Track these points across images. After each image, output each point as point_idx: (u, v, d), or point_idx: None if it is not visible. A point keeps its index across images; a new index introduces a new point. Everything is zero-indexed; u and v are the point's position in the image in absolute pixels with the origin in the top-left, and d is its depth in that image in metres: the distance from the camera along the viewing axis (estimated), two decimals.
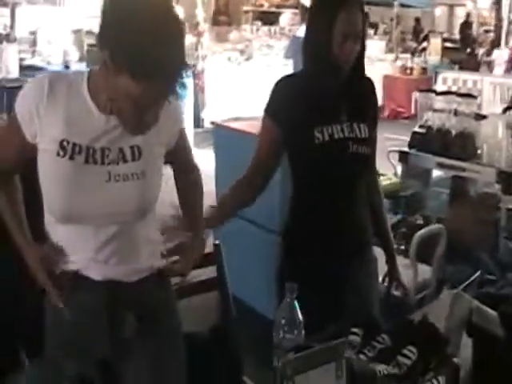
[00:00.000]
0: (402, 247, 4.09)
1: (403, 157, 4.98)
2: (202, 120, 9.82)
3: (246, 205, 2.51)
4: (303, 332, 1.73)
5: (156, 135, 1.83)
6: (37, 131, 1.76)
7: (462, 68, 12.47)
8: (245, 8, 14.02)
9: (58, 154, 1.75)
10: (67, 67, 2.93)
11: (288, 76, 2.46)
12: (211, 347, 2.32)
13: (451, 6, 20.28)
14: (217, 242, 2.68)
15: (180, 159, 2.08)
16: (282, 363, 1.32)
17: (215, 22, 13.07)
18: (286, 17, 13.58)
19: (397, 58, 13.99)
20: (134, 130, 1.74)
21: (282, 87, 2.40)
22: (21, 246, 1.89)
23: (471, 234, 4.41)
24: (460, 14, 19.75)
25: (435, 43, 14.81)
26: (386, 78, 13.25)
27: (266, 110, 2.41)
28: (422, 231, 3.51)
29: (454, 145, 4.63)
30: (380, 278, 2.67)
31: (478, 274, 1.88)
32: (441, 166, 4.78)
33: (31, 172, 1.82)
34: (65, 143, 1.75)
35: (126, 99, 1.62)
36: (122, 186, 1.79)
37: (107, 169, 1.78)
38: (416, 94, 4.91)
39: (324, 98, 2.34)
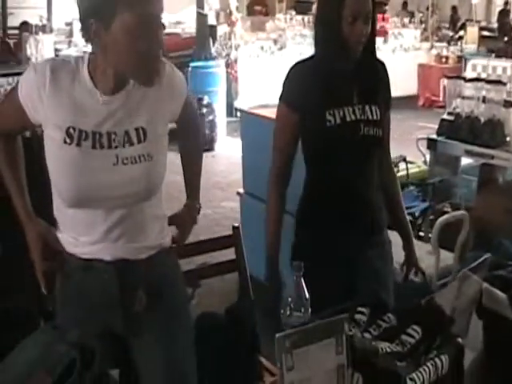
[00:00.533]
0: (430, 235, 4.08)
1: (432, 144, 4.97)
2: (235, 109, 9.87)
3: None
4: (310, 309, 1.76)
5: (161, 113, 1.91)
6: (40, 118, 1.83)
7: (498, 57, 12.30)
8: None
9: (65, 142, 1.81)
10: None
11: (300, 62, 2.47)
12: (228, 327, 2.37)
13: None
14: (236, 224, 2.72)
15: (184, 125, 2.16)
16: (280, 336, 1.35)
17: (250, 11, 13.07)
18: None
19: (432, 47, 13.84)
20: (147, 82, 1.81)
21: (295, 73, 2.42)
22: (21, 217, 1.96)
23: (499, 222, 4.38)
24: (498, 3, 19.44)
25: (472, 32, 14.62)
26: (421, 66, 13.13)
27: (281, 98, 2.43)
28: (444, 217, 3.49)
29: (483, 132, 4.61)
30: (398, 265, 2.68)
31: (487, 255, 1.88)
32: (469, 153, 4.75)
33: (38, 156, 1.88)
34: (71, 130, 1.81)
35: (127, 50, 1.72)
36: (129, 169, 1.84)
37: (114, 152, 1.83)
38: (445, 81, 4.88)
39: (335, 81, 2.35)
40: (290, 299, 1.78)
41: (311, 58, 2.46)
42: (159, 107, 1.89)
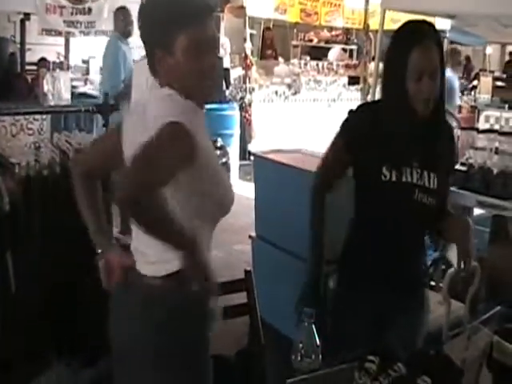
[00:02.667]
0: (441, 285, 4.08)
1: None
2: (249, 152, 9.95)
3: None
4: (320, 356, 1.79)
5: None
6: None
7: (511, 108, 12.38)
8: (294, 42, 14.17)
9: None
10: (106, 94, 3.09)
11: (366, 104, 2.49)
12: (238, 371, 2.39)
13: (503, 45, 20.17)
14: (248, 268, 2.76)
15: None
16: (290, 382, 1.38)
17: (262, 55, 13.22)
18: (335, 52, 13.67)
19: None
20: (208, 96, 2.01)
21: (360, 115, 2.40)
22: (99, 246, 2.14)
23: (510, 273, 4.39)
24: None
25: (486, 82, 14.71)
26: None
27: (340, 133, 2.40)
28: (455, 269, 3.50)
29: (495, 183, 4.64)
30: None
31: (498, 308, 1.91)
32: (482, 204, 4.76)
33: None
34: None
35: (189, 68, 1.92)
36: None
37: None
38: (458, 132, 4.92)
39: (398, 137, 2.30)
40: (300, 345, 1.82)
41: (377, 102, 2.48)
42: None
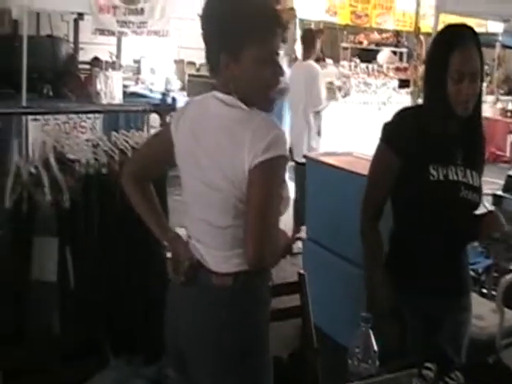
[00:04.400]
0: (493, 292, 4.04)
1: (497, 200, 4.96)
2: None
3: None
4: (377, 361, 1.79)
5: None
6: None
7: None
8: (344, 45, 14.12)
9: None
10: (163, 95, 3.14)
11: (409, 108, 2.52)
12: (291, 373, 2.40)
13: None
14: (301, 271, 2.77)
15: None
16: None
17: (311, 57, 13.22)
18: (385, 55, 13.58)
19: (497, 101, 13.73)
20: (268, 107, 2.03)
21: (403, 118, 2.44)
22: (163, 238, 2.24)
23: None
24: None
25: None
26: (486, 120, 12.99)
27: (385, 140, 2.44)
28: (510, 276, 3.47)
29: None
30: None
31: None
32: None
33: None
34: None
35: (254, 78, 1.97)
36: None
37: None
38: (510, 137, 4.86)
39: (443, 138, 2.36)
40: (357, 350, 1.81)
41: (419, 107, 2.50)
42: None
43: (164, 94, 3.36)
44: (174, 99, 3.33)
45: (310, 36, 7.00)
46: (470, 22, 7.50)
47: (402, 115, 2.46)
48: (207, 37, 2.02)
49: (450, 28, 2.41)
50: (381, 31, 13.94)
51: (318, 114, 6.59)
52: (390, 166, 2.40)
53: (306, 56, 6.78)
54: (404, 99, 10.74)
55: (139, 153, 2.38)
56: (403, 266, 2.45)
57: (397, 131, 2.42)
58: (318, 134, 6.68)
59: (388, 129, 2.44)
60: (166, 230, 2.22)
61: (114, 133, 3.03)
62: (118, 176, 2.78)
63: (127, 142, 2.97)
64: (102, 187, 2.75)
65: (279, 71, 2.02)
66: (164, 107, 3.26)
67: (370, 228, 2.47)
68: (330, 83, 10.96)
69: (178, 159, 2.12)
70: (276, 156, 1.88)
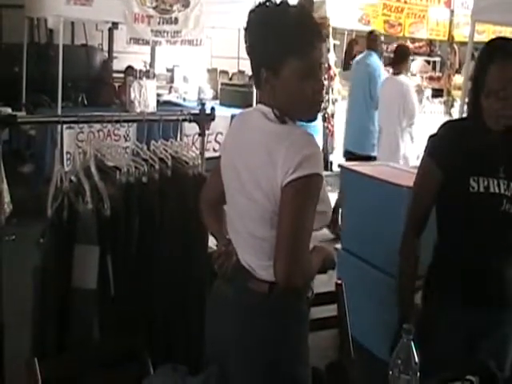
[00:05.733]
0: None
1: None
2: (331, 163, 9.92)
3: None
4: (418, 373, 1.79)
5: None
6: None
7: None
8: None
9: None
10: (203, 104, 3.14)
11: (453, 121, 2.52)
12: (327, 383, 2.40)
13: None
14: (339, 281, 2.77)
15: None
16: None
17: (345, 66, 13.16)
18: (418, 64, 13.52)
19: None
20: (311, 118, 2.06)
21: (447, 131, 2.46)
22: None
23: None
24: None
25: None
26: None
27: (428, 152, 2.46)
28: None
29: None
30: None
31: None
32: None
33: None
34: None
35: (295, 91, 1.98)
36: None
37: None
38: None
39: (484, 149, 2.35)
40: (399, 361, 1.82)
41: (462, 119, 2.51)
42: None
43: (203, 104, 3.35)
44: (212, 109, 3.33)
45: (402, 51, 7.12)
46: (507, 32, 7.46)
47: (446, 128, 2.47)
48: (249, 50, 2.04)
49: (494, 40, 2.41)
50: (414, 40, 13.89)
51: (411, 126, 6.64)
52: (432, 178, 2.42)
53: (396, 71, 6.85)
54: (437, 109, 10.67)
55: (210, 179, 2.42)
56: (446, 279, 2.46)
57: (439, 144, 2.43)
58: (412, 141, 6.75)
59: (431, 142, 2.46)
60: (223, 235, 2.26)
61: (153, 142, 3.06)
62: (158, 184, 2.83)
63: (166, 150, 3.00)
64: (143, 196, 2.78)
65: (320, 85, 2.02)
66: (203, 116, 3.27)
67: (411, 240, 2.48)
68: None
69: (223, 172, 2.17)
70: (308, 174, 1.88)
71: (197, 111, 3.30)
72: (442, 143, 2.42)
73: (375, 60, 7.40)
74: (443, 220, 2.47)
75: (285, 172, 1.88)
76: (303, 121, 2.05)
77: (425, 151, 2.47)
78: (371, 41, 7.67)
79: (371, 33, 8.01)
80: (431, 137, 2.47)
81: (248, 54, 2.05)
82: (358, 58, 8.02)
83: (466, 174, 2.35)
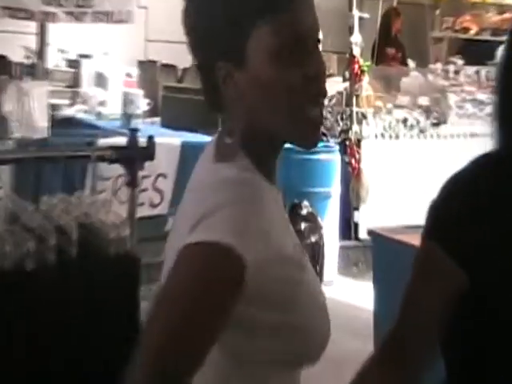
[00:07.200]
0: None
1: None
2: (356, 225, 9.96)
3: None
4: None
5: None
6: None
7: None
8: (436, 34, 14.24)
9: (301, 267, 2.13)
10: (133, 130, 3.06)
11: (471, 166, 2.45)
12: None
13: None
14: None
15: None
16: None
17: (380, 57, 13.27)
18: None
19: None
20: (307, 140, 2.11)
21: (459, 193, 2.41)
22: None
23: None
24: None
25: None
26: None
27: (429, 231, 2.42)
28: None
29: None
30: None
31: None
32: None
33: None
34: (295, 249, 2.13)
35: (274, 84, 1.98)
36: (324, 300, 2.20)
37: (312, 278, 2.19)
38: None
39: None
40: None
41: (487, 156, 2.44)
42: None
43: (133, 130, 3.32)
44: (150, 138, 3.34)
45: None
46: None
47: (458, 187, 2.42)
48: (192, 37, 2.07)
49: None
50: (502, 9, 14.13)
51: None
52: (452, 290, 2.36)
53: None
54: None
55: None
56: None
57: (452, 219, 2.37)
58: None
59: (435, 211, 2.41)
60: None
61: (45, 197, 3.08)
62: (53, 274, 2.84)
63: (68, 212, 3.01)
64: (28, 293, 2.80)
65: (316, 69, 2.03)
66: (134, 152, 3.28)
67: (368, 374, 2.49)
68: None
69: None
70: (201, 241, 1.89)
71: (122, 141, 3.30)
72: (456, 217, 2.37)
73: None
74: (465, 353, 2.47)
75: (183, 236, 1.95)
76: (301, 146, 2.11)
77: (425, 231, 2.43)
78: None
79: None
80: (434, 203, 2.42)
81: (190, 45, 2.08)
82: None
83: None
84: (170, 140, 7.81)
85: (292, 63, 1.98)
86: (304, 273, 2.10)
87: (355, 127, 10.52)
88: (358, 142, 10.47)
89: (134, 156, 3.31)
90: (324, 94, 2.07)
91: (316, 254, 9.18)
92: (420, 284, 2.43)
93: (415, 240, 4.80)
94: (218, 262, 1.89)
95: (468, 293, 2.32)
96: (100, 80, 11.40)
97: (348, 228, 10.11)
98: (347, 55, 11.08)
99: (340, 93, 11.13)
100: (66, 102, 10.82)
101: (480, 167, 2.44)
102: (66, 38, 11.74)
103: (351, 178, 10.30)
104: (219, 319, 1.88)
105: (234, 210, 1.93)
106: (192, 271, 1.88)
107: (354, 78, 10.62)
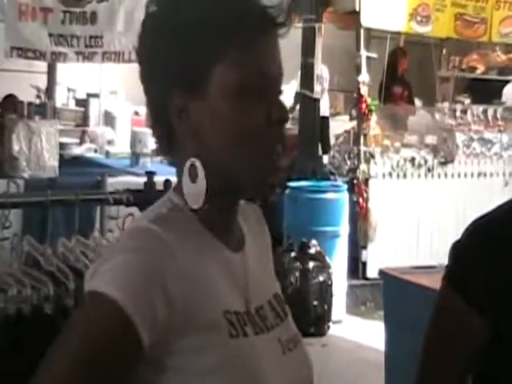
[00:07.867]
0: None
1: None
2: (363, 265, 9.94)
3: None
4: None
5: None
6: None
7: None
8: (442, 73, 14.20)
9: (231, 335, 1.91)
10: (149, 173, 3.01)
11: (496, 212, 2.39)
12: None
13: None
14: None
15: None
16: None
17: (387, 96, 13.22)
18: None
19: None
20: (258, 193, 2.02)
21: (484, 240, 2.37)
22: None
23: None
24: None
25: None
26: None
27: (452, 279, 2.39)
28: None
29: None
30: None
31: None
32: None
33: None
34: (228, 315, 1.93)
35: (232, 123, 1.87)
36: (296, 356, 2.06)
37: (276, 336, 2.04)
38: None
39: None
40: None
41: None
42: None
43: (150, 173, 3.29)
44: (168, 181, 3.33)
45: None
46: None
47: (484, 235, 2.37)
48: (145, 70, 1.98)
49: None
50: (508, 48, 14.10)
51: None
52: (472, 338, 2.36)
53: None
54: None
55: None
56: None
57: (477, 267, 2.33)
58: None
59: (458, 258, 2.39)
60: None
61: (62, 239, 3.07)
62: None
63: (86, 255, 3.01)
64: (47, 337, 2.81)
65: (280, 109, 1.92)
66: (151, 194, 3.28)
67: None
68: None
69: None
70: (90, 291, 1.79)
71: (131, 180, 3.27)
72: (480, 265, 2.33)
73: None
74: None
75: None
76: (248, 195, 2.03)
77: (446, 278, 2.39)
78: None
79: None
80: (456, 248, 2.40)
81: (144, 76, 2.00)
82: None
83: None
84: None
85: (254, 103, 1.88)
86: (240, 340, 1.91)
87: (363, 166, 10.48)
88: (366, 180, 10.44)
89: (151, 199, 3.31)
90: (284, 143, 1.93)
91: (324, 293, 9.16)
92: (440, 343, 2.44)
93: (425, 280, 4.85)
94: (102, 316, 1.78)
95: (491, 341, 2.31)
96: (108, 119, 11.42)
97: (356, 267, 10.09)
98: (354, 94, 11.06)
99: (347, 132, 11.15)
100: (75, 140, 10.84)
101: (504, 213, 2.41)
102: (74, 77, 11.78)
103: (359, 216, 10.29)
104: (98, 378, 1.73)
105: (129, 260, 1.79)
106: (76, 323, 1.81)
107: (362, 117, 10.59)
